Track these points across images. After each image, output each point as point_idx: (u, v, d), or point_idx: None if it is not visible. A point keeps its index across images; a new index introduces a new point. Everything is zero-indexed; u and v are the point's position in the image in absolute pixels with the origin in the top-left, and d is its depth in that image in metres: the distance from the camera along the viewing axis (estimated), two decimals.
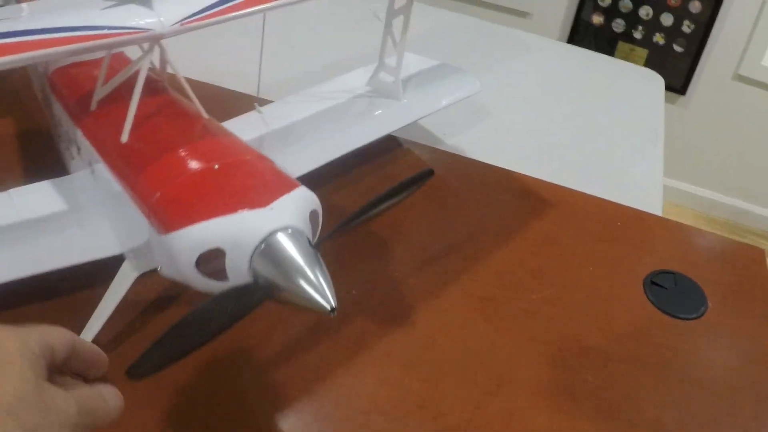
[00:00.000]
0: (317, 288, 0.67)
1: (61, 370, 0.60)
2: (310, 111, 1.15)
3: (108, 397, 0.60)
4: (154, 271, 0.82)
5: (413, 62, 1.28)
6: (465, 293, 1.06)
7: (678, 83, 2.85)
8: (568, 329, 1.03)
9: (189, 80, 0.91)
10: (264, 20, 1.04)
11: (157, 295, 0.96)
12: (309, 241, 0.71)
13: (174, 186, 0.75)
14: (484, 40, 1.96)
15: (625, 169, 1.47)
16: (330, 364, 0.93)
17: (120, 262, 0.86)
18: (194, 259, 0.70)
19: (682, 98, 2.91)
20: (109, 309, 0.85)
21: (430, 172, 0.89)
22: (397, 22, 1.18)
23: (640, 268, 1.15)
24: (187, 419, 0.85)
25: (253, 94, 1.23)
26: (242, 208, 0.71)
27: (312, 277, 0.67)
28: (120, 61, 0.96)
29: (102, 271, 0.86)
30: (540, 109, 1.66)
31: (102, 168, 0.86)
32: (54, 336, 0.58)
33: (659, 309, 1.08)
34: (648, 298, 1.09)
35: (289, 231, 0.70)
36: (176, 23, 0.75)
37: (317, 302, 0.67)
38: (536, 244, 1.17)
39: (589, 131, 1.60)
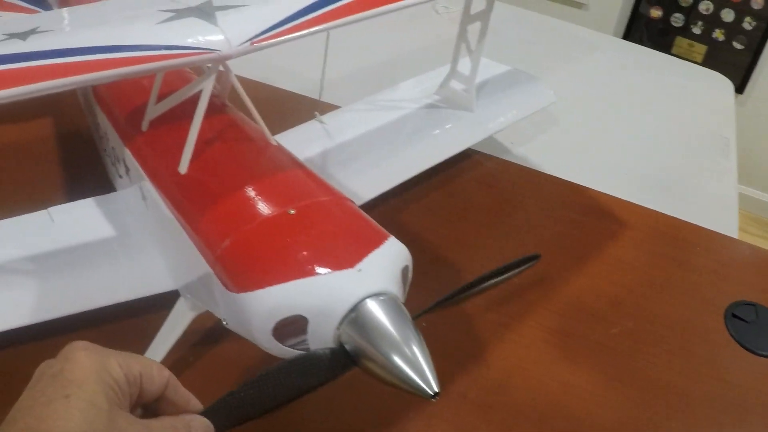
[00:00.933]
0: (416, 367, 0.59)
1: (151, 407, 0.54)
2: (377, 123, 1.06)
3: (196, 427, 0.54)
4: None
5: (483, 67, 1.17)
6: (541, 326, 0.99)
7: (736, 81, 2.76)
8: (648, 367, 0.96)
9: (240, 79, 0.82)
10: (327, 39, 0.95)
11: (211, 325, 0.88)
12: (404, 310, 0.62)
13: (246, 234, 0.66)
14: (540, 36, 1.86)
15: (696, 182, 1.38)
16: (404, 407, 0.86)
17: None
18: (271, 327, 0.62)
19: (740, 97, 2.81)
20: (164, 349, 0.77)
21: (537, 257, 0.80)
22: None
23: (720, 298, 1.07)
24: None
25: (310, 96, 1.16)
26: (327, 268, 0.62)
27: (409, 353, 0.59)
28: (174, 72, 0.87)
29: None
30: (605, 116, 1.57)
31: (153, 197, 0.77)
32: (148, 368, 0.52)
33: (740, 344, 1.00)
34: (729, 332, 1.02)
35: (381, 297, 0.62)
36: (245, 42, 0.65)
37: (416, 384, 0.58)
38: (612, 270, 1.10)
39: (655, 139, 1.51)
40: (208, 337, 0.88)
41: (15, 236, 0.82)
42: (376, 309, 0.60)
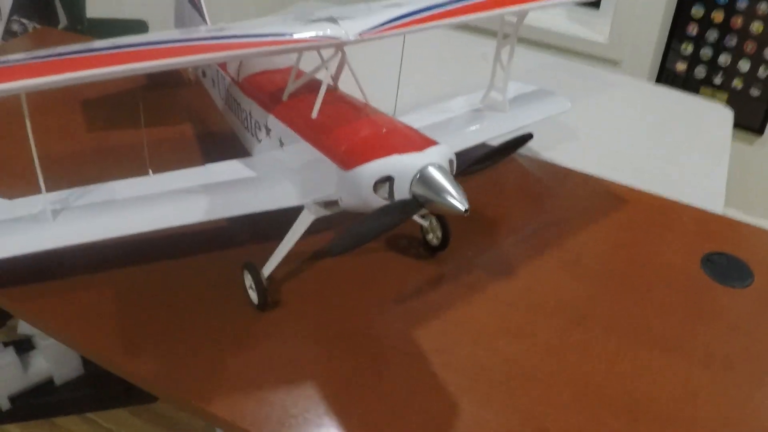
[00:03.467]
0: (457, 198, 0.98)
1: None
2: (432, 120, 1.45)
3: None
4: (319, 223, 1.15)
5: (516, 87, 1.58)
6: (559, 260, 1.35)
7: (755, 124, 3.08)
8: (645, 293, 1.30)
9: None
10: (403, 43, 1.34)
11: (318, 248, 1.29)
12: (449, 172, 1.02)
13: (356, 140, 1.07)
14: (577, 79, 2.26)
15: (690, 180, 1.74)
16: (450, 301, 1.24)
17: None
18: (372, 183, 1.02)
19: (760, 138, 3.13)
20: (288, 246, 1.17)
21: (530, 136, 1.19)
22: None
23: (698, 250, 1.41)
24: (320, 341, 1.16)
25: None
26: (405, 151, 1.02)
27: (454, 192, 0.98)
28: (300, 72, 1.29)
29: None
30: (620, 133, 1.95)
31: (292, 139, 1.18)
32: None
33: (712, 279, 1.34)
34: (704, 271, 1.35)
35: (437, 166, 1.01)
36: (356, 34, 1.08)
37: (457, 207, 0.97)
38: (617, 229, 1.45)
39: (658, 149, 1.89)
40: (315, 257, 1.29)
41: (184, 177, 1.24)
42: (434, 171, 1.00)
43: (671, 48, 3.14)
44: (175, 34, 1.12)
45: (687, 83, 3.14)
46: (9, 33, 2.59)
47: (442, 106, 1.53)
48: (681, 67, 3.14)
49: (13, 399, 2.33)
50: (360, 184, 1.03)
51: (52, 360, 2.33)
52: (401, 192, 1.01)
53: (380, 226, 0.98)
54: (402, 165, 1.01)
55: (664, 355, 1.17)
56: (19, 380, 2.33)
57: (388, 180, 1.02)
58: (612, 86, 2.26)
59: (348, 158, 1.05)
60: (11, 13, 2.59)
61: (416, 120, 1.27)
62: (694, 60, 3.11)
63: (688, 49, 3.10)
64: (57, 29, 2.59)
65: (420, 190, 0.99)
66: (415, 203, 1.00)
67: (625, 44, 3.19)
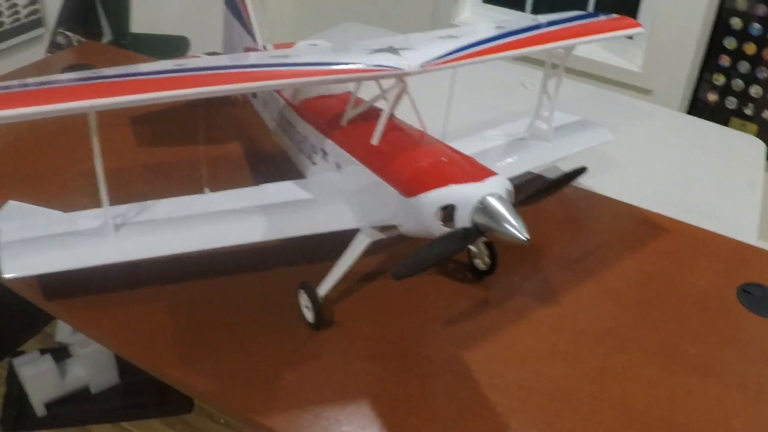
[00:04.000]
0: (517, 228, 1.01)
1: None
2: (480, 147, 1.49)
3: None
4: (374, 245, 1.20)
5: (560, 117, 1.62)
6: (602, 287, 1.38)
7: None
8: (683, 321, 1.33)
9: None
10: (453, 76, 1.38)
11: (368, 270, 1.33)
12: (509, 202, 1.06)
13: (419, 169, 1.11)
14: (612, 108, 2.30)
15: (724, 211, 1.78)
16: (497, 324, 1.27)
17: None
18: (434, 211, 1.06)
19: None
20: (344, 267, 1.21)
21: (584, 169, 1.21)
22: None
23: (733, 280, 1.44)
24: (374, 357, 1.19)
25: None
26: (466, 181, 1.06)
27: (514, 222, 1.02)
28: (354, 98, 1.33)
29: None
30: (655, 163, 2.00)
31: (350, 164, 1.22)
32: None
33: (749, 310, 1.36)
34: (740, 302, 1.38)
35: (497, 196, 1.05)
36: (418, 65, 1.12)
37: (518, 236, 1.01)
38: (647, 259, 1.48)
39: (691, 180, 1.93)
40: (366, 279, 1.33)
41: (241, 196, 1.28)
42: (495, 201, 1.04)
43: (703, 78, 3.18)
44: (240, 59, 1.17)
45: (718, 113, 3.18)
46: (54, 45, 2.65)
47: (489, 133, 1.57)
48: (712, 97, 3.17)
49: (49, 406, 2.38)
50: (422, 212, 1.07)
51: (89, 369, 2.37)
52: (462, 220, 1.05)
53: (442, 252, 1.02)
54: (464, 194, 1.05)
55: (700, 380, 1.20)
56: (56, 387, 2.37)
57: (450, 208, 1.05)
58: (646, 116, 2.29)
59: (410, 186, 1.09)
60: (57, 26, 2.65)
61: (464, 147, 1.29)
62: (725, 91, 3.14)
63: (719, 79, 3.13)
64: (101, 43, 2.64)
65: (481, 219, 1.03)
66: (476, 231, 1.04)
67: (658, 74, 3.23)
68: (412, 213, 1.09)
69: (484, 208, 1.03)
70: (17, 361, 2.34)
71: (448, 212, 1.06)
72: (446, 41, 1.21)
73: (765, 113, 3.09)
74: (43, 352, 2.39)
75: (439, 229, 1.07)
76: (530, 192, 1.12)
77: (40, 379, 2.32)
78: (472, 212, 1.04)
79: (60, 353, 2.41)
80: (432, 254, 1.01)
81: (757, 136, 2.92)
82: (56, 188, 1.53)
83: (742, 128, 3.11)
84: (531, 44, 1.28)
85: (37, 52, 2.60)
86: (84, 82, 1.06)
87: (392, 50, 1.14)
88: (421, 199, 1.07)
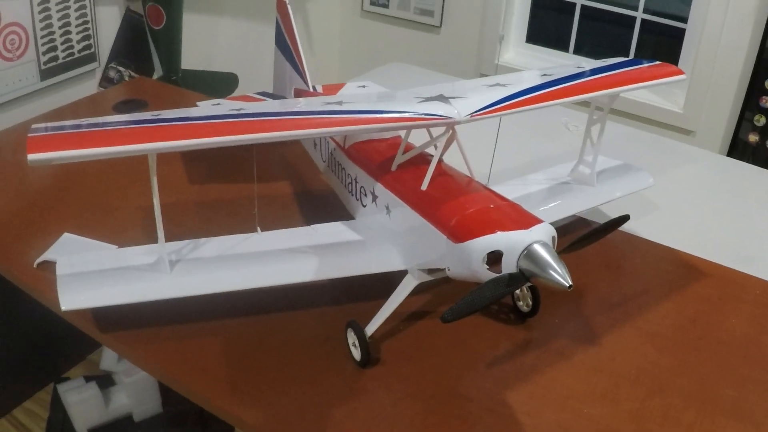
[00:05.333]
0: (561, 275, 1.05)
1: None
2: (526, 191, 1.53)
3: None
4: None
5: (603, 160, 1.65)
6: (640, 330, 1.40)
7: None
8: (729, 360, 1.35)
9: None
10: (500, 122, 1.42)
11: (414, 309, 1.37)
12: (553, 250, 1.10)
13: (467, 215, 1.15)
14: (653, 150, 2.33)
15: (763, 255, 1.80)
16: (538, 365, 1.30)
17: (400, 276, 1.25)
18: (482, 256, 1.10)
19: None
20: (392, 308, 1.25)
21: (627, 217, 1.25)
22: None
23: None
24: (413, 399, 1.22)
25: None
26: (513, 228, 1.10)
27: (558, 268, 1.06)
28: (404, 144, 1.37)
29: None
30: (694, 206, 2.03)
31: (400, 207, 1.26)
32: None
33: None
34: None
35: (542, 243, 1.08)
36: (468, 114, 1.17)
37: (562, 282, 1.05)
38: (690, 302, 1.50)
39: (734, 224, 1.96)
40: (411, 318, 1.37)
41: (293, 236, 1.33)
42: (540, 248, 1.07)
43: (744, 119, 3.19)
44: (294, 104, 1.22)
45: (759, 154, 3.18)
46: (106, 80, 2.72)
47: (533, 177, 1.61)
48: (753, 138, 3.18)
49: None
50: (470, 257, 1.11)
51: (133, 397, 2.41)
52: (509, 266, 1.08)
53: (489, 296, 1.06)
54: (510, 241, 1.08)
55: (738, 425, 1.22)
56: (100, 414, 2.41)
57: (497, 254, 1.09)
58: (687, 158, 2.32)
59: (459, 231, 1.13)
60: (109, 60, 2.72)
61: (509, 191, 1.33)
62: (766, 131, 3.15)
63: (761, 120, 3.14)
64: (152, 78, 2.71)
65: (526, 265, 1.07)
66: (522, 277, 1.08)
67: (699, 114, 3.24)
68: (460, 258, 1.13)
69: (529, 254, 1.07)
70: (62, 387, 2.38)
71: (495, 258, 1.09)
72: (494, 90, 1.26)
73: None
74: (87, 379, 2.43)
75: (486, 274, 1.10)
76: (574, 240, 1.15)
77: (84, 406, 2.36)
78: (519, 259, 1.07)
79: (104, 381, 2.45)
80: (479, 298, 1.05)
81: None
82: (109, 222, 1.58)
83: None
84: (575, 93, 1.32)
85: (90, 87, 2.67)
86: (147, 125, 1.11)
87: (442, 99, 1.19)
88: (470, 245, 1.11)
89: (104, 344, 1.35)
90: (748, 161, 2.91)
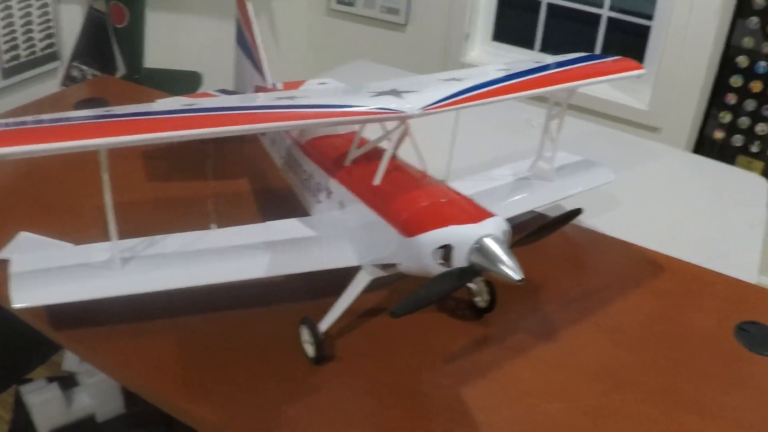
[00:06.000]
0: (512, 268, 1.05)
1: None
2: (488, 186, 1.52)
3: None
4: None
5: (564, 156, 1.65)
6: (598, 326, 1.40)
7: None
8: (679, 356, 1.35)
9: None
10: (457, 117, 1.41)
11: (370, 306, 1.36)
12: (505, 243, 1.09)
13: (418, 209, 1.14)
14: (617, 147, 2.33)
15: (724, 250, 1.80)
16: (496, 361, 1.30)
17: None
18: (432, 251, 1.09)
19: None
20: (345, 304, 1.23)
21: (579, 211, 1.25)
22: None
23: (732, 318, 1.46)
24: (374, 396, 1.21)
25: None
26: (464, 222, 1.09)
27: (509, 262, 1.05)
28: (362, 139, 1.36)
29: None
30: (657, 202, 2.03)
31: (353, 203, 1.25)
32: None
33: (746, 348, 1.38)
34: (737, 339, 1.39)
35: (493, 237, 1.08)
36: (420, 108, 1.16)
37: (512, 276, 1.04)
38: (651, 297, 1.50)
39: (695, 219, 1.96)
40: (367, 315, 1.36)
41: (248, 233, 1.31)
42: (490, 242, 1.07)
43: (710, 116, 3.20)
44: (249, 99, 1.20)
45: (725, 151, 3.20)
46: (69, 78, 2.70)
47: (491, 173, 1.60)
48: (719, 135, 3.20)
49: None
50: (420, 251, 1.10)
51: (96, 398, 2.39)
52: (459, 260, 1.08)
53: (439, 291, 1.06)
54: (461, 235, 1.08)
55: (698, 419, 1.22)
56: (62, 415, 2.39)
57: (448, 248, 1.08)
58: (652, 155, 2.33)
59: (409, 226, 1.12)
60: (72, 59, 2.70)
61: (466, 187, 1.32)
62: (731, 128, 3.17)
63: (726, 117, 3.16)
64: (115, 77, 2.69)
65: (477, 259, 1.06)
66: (473, 271, 1.07)
67: (665, 111, 3.26)
68: (411, 252, 1.12)
69: (480, 248, 1.06)
70: (24, 389, 2.36)
71: (445, 252, 1.08)
72: (450, 84, 1.25)
73: None
74: (50, 380, 2.41)
75: (437, 268, 1.09)
76: (526, 233, 1.15)
77: (46, 407, 2.34)
78: (469, 252, 1.07)
79: (67, 382, 2.43)
80: (429, 293, 1.04)
81: (764, 174, 2.97)
82: (68, 221, 1.56)
83: (748, 166, 3.14)
84: (532, 87, 1.32)
85: (52, 85, 2.64)
86: (97, 120, 1.09)
87: (395, 93, 1.18)
88: (420, 239, 1.10)
89: (59, 343, 1.33)
90: (714, 158, 2.92)
